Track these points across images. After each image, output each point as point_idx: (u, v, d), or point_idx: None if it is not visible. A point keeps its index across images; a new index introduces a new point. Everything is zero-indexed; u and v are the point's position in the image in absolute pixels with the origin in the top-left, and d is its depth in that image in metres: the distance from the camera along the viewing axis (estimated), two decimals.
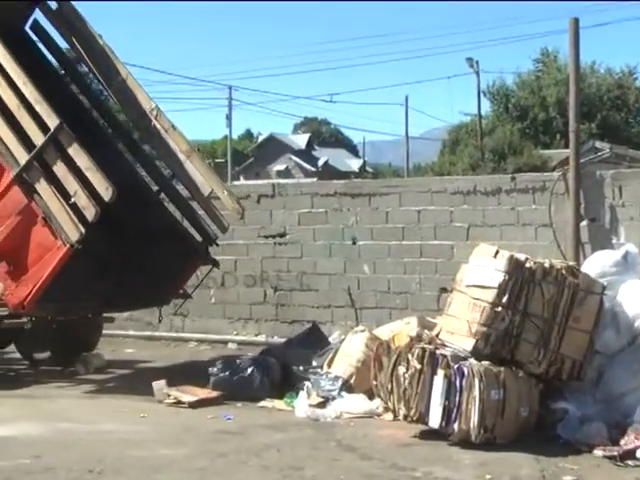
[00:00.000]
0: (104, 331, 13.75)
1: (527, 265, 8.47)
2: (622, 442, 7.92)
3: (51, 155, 10.65)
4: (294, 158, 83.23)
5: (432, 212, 13.41)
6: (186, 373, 11.26)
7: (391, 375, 8.57)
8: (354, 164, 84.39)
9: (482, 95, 50.42)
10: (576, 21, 12.57)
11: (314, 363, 10.69)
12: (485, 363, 8.22)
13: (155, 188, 13.33)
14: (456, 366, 8.19)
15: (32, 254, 10.74)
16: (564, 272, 8.61)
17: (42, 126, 10.73)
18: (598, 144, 27.19)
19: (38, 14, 13.22)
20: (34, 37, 13.35)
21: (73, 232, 10.37)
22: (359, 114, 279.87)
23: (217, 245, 13.11)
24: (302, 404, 9.67)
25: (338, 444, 8.37)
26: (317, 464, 7.72)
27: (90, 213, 10.31)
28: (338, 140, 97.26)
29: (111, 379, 12.00)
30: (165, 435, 8.74)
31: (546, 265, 8.57)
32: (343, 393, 9.77)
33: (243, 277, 14.87)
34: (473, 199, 13.13)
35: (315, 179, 48.55)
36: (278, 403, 10.02)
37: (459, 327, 8.55)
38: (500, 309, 8.34)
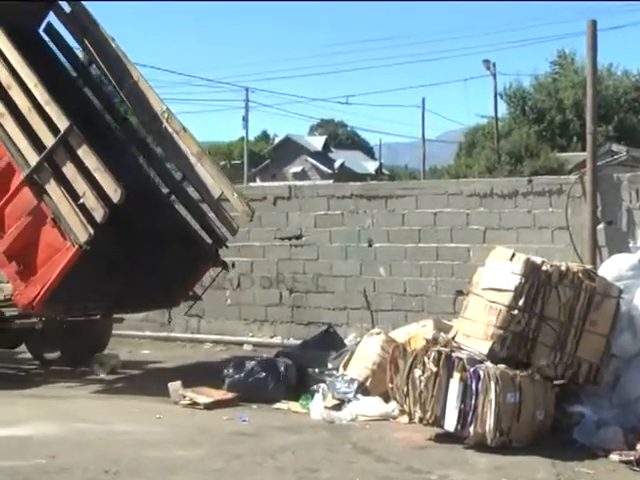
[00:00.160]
0: (120, 332, 13.79)
1: (543, 268, 8.45)
2: (638, 447, 7.88)
3: (61, 156, 10.72)
4: (310, 160, 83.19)
5: (448, 215, 13.39)
6: (201, 374, 11.26)
7: (407, 378, 8.56)
8: (370, 166, 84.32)
9: (499, 97, 50.34)
10: (594, 23, 12.53)
11: (330, 365, 10.69)
12: (501, 366, 8.20)
13: (166, 190, 13.38)
14: (472, 369, 8.18)
15: (41, 255, 10.79)
16: (581, 275, 8.59)
17: (52, 128, 10.79)
18: (615, 147, 27.05)
19: (52, 17, 13.33)
20: (48, 40, 13.44)
21: (82, 233, 10.43)
22: (375, 116, 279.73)
23: (227, 247, 13.14)
24: (317, 406, 9.66)
25: (353, 446, 8.36)
26: (332, 466, 7.72)
27: (99, 214, 10.37)
28: (354, 142, 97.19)
29: (127, 380, 12.02)
30: (181, 436, 8.75)
31: (562, 268, 8.54)
32: (359, 395, 9.76)
33: (259, 279, 14.87)
34: (489, 202, 13.10)
35: (331, 181, 48.47)
36: (293, 405, 10.02)
37: (475, 330, 8.53)
38: (516, 312, 8.32)
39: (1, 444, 8.35)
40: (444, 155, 64.87)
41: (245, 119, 66.08)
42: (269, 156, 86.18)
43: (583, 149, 20.53)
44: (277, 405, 10.06)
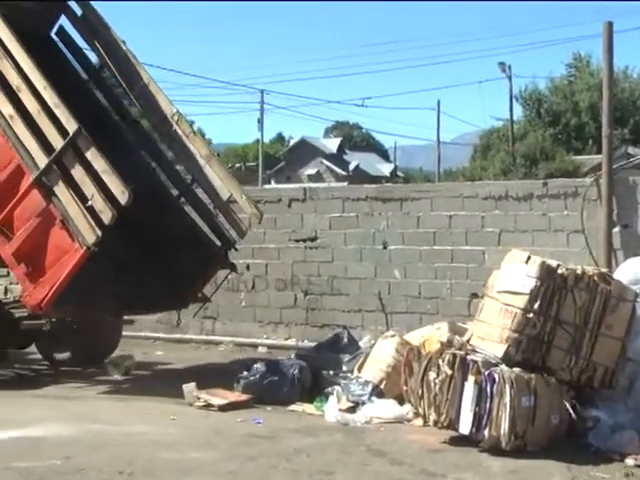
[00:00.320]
0: (135, 333, 13.83)
1: (559, 271, 8.42)
2: None
3: (69, 159, 10.77)
4: (325, 162, 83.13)
5: (463, 217, 13.38)
6: (216, 376, 11.27)
7: (422, 381, 8.54)
8: (385, 168, 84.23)
9: (514, 100, 50.21)
10: (610, 25, 12.50)
11: (344, 368, 10.69)
12: (516, 370, 8.18)
13: (175, 192, 13.42)
14: (487, 372, 8.16)
15: (50, 256, 10.83)
16: (596, 279, 8.56)
17: (61, 130, 10.83)
18: (631, 150, 27.04)
19: (64, 20, 13.42)
20: (59, 43, 13.52)
21: (90, 235, 10.47)
22: (390, 118, 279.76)
23: (236, 250, 13.17)
24: (332, 408, 9.65)
25: (368, 449, 8.35)
26: (347, 469, 7.71)
27: (107, 216, 10.41)
28: (369, 144, 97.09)
29: (141, 381, 12.04)
30: (195, 438, 8.75)
31: (578, 271, 8.51)
32: (373, 398, 9.75)
33: (274, 281, 14.90)
34: (505, 204, 13.09)
35: (346, 183, 48.52)
36: (308, 407, 10.02)
37: (490, 333, 8.51)
38: (531, 315, 8.30)
39: (15, 445, 8.37)
40: (459, 157, 64.77)
41: (260, 121, 66.10)
42: (284, 158, 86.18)
43: (599, 152, 20.46)
44: (292, 407, 10.06)
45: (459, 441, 8.35)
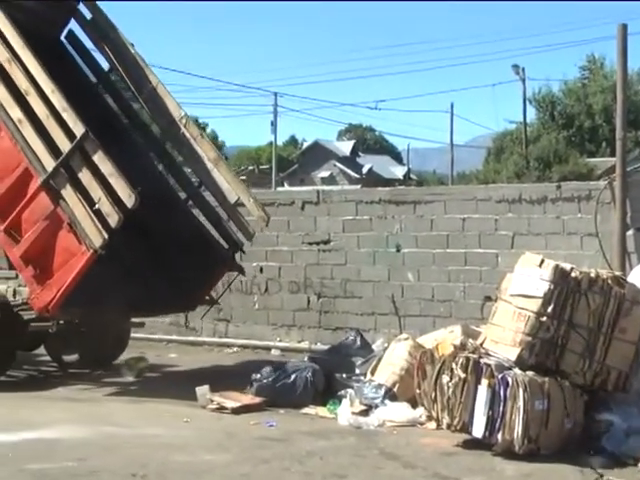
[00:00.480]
0: (148, 336, 13.86)
1: (573, 275, 8.40)
2: None
3: (77, 162, 10.81)
4: (338, 165, 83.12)
5: (477, 220, 13.36)
6: (229, 379, 11.28)
7: (435, 384, 8.54)
8: (398, 171, 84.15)
9: (528, 103, 50.09)
10: (624, 27, 12.46)
11: (357, 371, 10.70)
12: (529, 373, 8.17)
13: (183, 195, 13.45)
14: (500, 376, 8.14)
15: (57, 259, 10.87)
16: (610, 282, 8.54)
17: (69, 133, 10.87)
18: None
19: (73, 24, 13.51)
20: (68, 46, 13.59)
21: (97, 238, 10.51)
22: (404, 121, 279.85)
23: (244, 252, 13.20)
24: (345, 412, 9.65)
25: (381, 452, 8.35)
26: (360, 472, 7.71)
27: (113, 219, 10.45)
28: (382, 147, 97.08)
29: (154, 383, 12.07)
30: (208, 440, 8.77)
31: (592, 275, 8.49)
32: (386, 401, 9.75)
33: (287, 283, 14.90)
34: (518, 207, 13.07)
35: (359, 186, 48.51)
36: (321, 410, 10.03)
37: (503, 336, 8.50)
38: (545, 319, 8.28)
39: (29, 447, 8.40)
40: (472, 160, 64.66)
41: (274, 124, 66.18)
42: (297, 161, 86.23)
43: (612, 154, 20.38)
44: (305, 410, 10.07)
45: (472, 444, 8.34)
